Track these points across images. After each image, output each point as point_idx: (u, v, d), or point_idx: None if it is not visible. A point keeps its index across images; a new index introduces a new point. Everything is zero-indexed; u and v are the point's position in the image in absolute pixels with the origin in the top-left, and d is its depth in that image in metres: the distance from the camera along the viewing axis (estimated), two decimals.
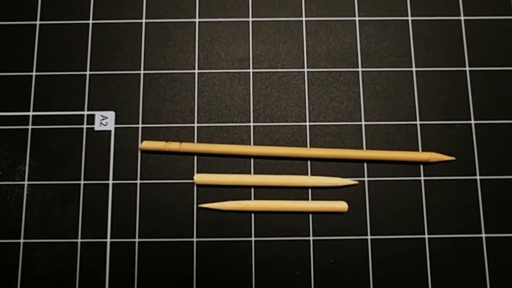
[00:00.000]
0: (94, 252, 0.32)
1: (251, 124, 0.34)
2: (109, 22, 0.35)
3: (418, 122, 0.34)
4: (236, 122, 0.34)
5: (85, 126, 0.33)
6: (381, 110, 0.34)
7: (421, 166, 0.33)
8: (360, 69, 0.35)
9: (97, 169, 0.33)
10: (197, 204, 0.32)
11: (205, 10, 0.36)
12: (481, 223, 0.32)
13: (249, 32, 0.35)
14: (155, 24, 0.35)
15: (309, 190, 0.33)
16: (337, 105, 0.34)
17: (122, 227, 0.32)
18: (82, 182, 0.33)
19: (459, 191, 0.32)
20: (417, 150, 0.33)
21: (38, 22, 0.35)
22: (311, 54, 0.35)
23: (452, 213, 0.32)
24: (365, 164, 0.33)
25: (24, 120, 0.33)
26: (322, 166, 0.33)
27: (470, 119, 0.34)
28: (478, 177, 0.33)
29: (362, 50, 0.35)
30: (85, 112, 0.34)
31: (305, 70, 0.35)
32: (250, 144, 0.33)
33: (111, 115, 0.34)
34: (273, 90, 0.34)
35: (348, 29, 0.35)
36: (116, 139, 0.33)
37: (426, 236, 0.32)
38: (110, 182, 0.33)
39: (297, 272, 0.31)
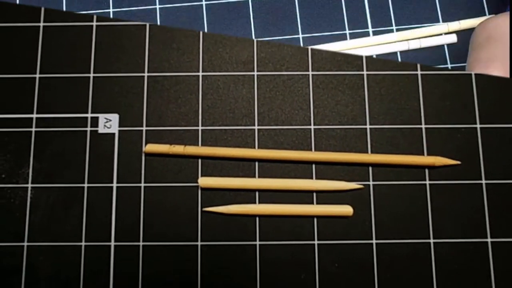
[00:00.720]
0: (98, 255, 0.31)
1: (256, 127, 0.34)
2: (113, 24, 0.35)
3: (423, 126, 0.33)
4: (241, 125, 0.34)
5: (88, 128, 0.33)
6: (386, 114, 0.34)
7: (426, 170, 0.33)
8: (365, 72, 0.34)
9: (101, 172, 0.33)
10: (201, 208, 0.32)
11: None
12: (487, 228, 0.32)
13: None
14: (159, 26, 0.35)
15: (314, 194, 0.32)
16: (342, 108, 0.34)
17: (126, 230, 0.32)
18: (86, 185, 0.32)
19: (464, 195, 0.32)
20: (422, 154, 0.33)
21: (41, 24, 0.35)
22: (315, 57, 0.35)
23: (457, 217, 0.32)
24: (370, 168, 0.33)
25: (28, 122, 0.33)
26: (326, 169, 0.33)
27: (475, 123, 0.33)
28: (483, 181, 0.33)
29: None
30: (89, 115, 0.34)
31: (310, 73, 0.34)
32: (254, 147, 0.33)
33: (115, 117, 0.34)
34: (277, 93, 0.34)
35: None
36: (120, 141, 0.33)
37: (431, 240, 0.32)
38: (114, 185, 0.32)
39: (302, 276, 0.31)
